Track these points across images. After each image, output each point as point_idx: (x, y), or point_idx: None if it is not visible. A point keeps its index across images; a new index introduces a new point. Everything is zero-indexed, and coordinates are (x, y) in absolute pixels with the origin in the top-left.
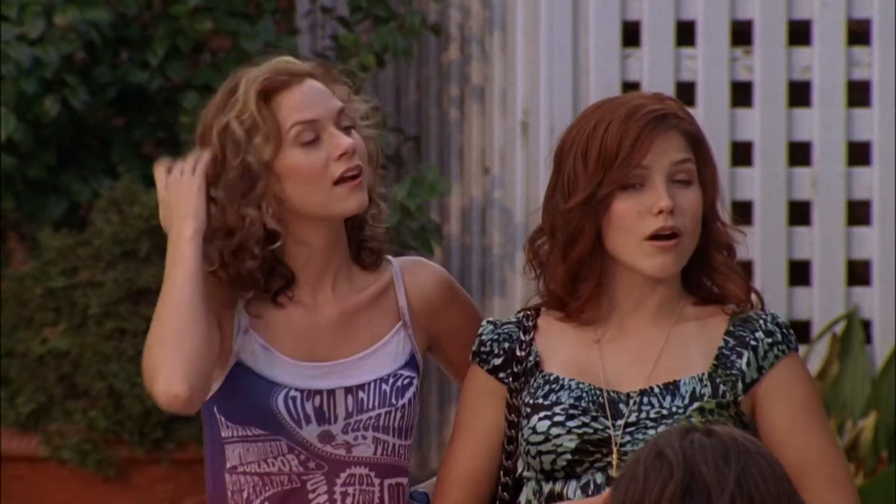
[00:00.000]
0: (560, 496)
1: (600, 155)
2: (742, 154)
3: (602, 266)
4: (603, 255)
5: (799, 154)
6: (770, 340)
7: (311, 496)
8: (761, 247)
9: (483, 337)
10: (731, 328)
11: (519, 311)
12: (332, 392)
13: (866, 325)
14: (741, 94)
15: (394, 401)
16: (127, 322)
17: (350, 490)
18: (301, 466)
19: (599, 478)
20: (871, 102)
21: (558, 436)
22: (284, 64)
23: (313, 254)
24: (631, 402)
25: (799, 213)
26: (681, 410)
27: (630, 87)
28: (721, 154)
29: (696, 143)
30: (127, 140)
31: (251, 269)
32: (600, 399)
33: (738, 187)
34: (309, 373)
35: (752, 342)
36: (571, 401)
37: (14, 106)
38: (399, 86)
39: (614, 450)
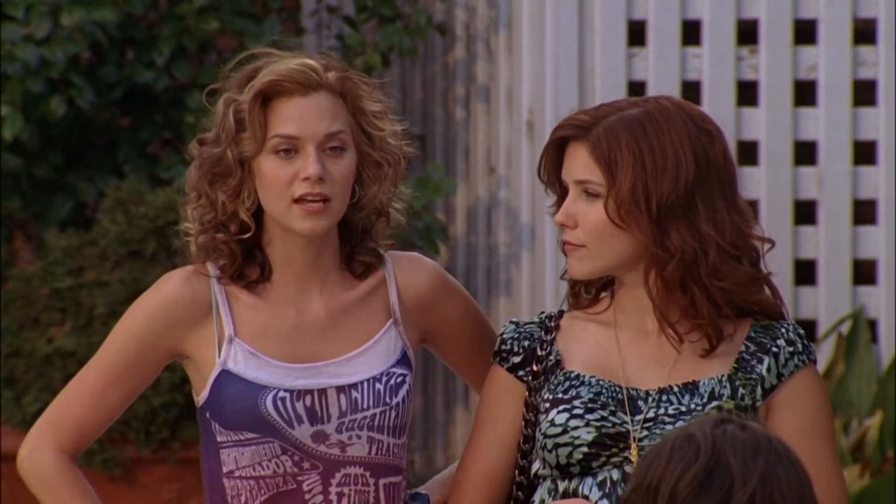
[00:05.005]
0: (575, 494)
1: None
2: (748, 153)
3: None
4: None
5: (805, 153)
6: (791, 349)
7: (306, 496)
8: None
9: (504, 335)
10: (752, 334)
11: (542, 313)
12: (323, 391)
13: (872, 325)
14: (747, 93)
15: (388, 400)
16: None
17: (346, 490)
18: (295, 467)
19: (616, 474)
20: (877, 101)
21: (576, 427)
22: (302, 70)
23: (295, 255)
24: (650, 399)
25: (805, 213)
26: (699, 408)
27: (636, 86)
28: None
29: (609, 156)
30: (133, 140)
31: (224, 241)
32: (619, 395)
33: (744, 186)
34: (298, 374)
35: (774, 349)
36: (591, 395)
37: (20, 106)
38: (405, 85)
39: (633, 444)
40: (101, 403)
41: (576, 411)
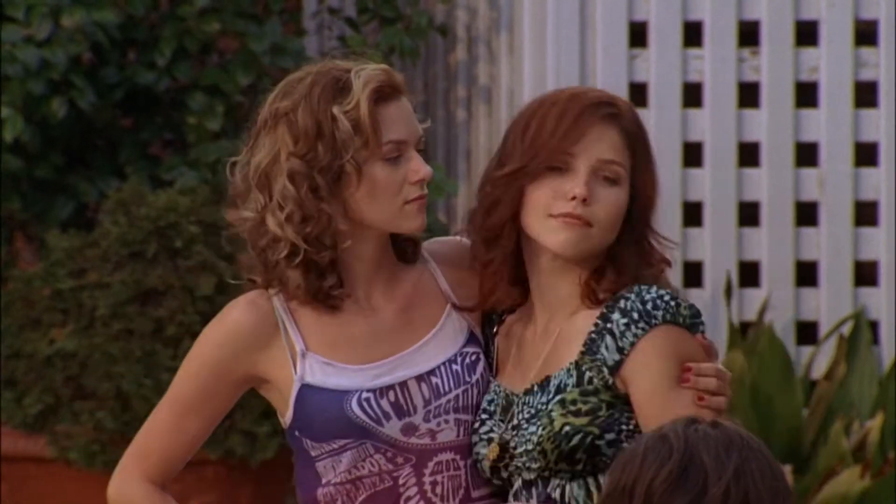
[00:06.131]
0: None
1: (536, 132)
2: (749, 155)
3: (518, 244)
4: (519, 234)
5: (806, 155)
6: (626, 320)
7: (401, 490)
8: (769, 247)
9: None
10: (604, 310)
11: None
12: (404, 384)
13: (873, 326)
14: (748, 94)
15: (468, 378)
16: (134, 323)
17: (438, 478)
18: (390, 463)
19: (518, 483)
20: (878, 103)
21: (476, 443)
22: (388, 73)
23: (365, 261)
24: (518, 402)
25: (806, 214)
26: (544, 406)
27: (637, 87)
28: (728, 155)
29: (635, 145)
30: (134, 141)
31: (330, 259)
32: (503, 402)
33: (746, 188)
34: (375, 372)
35: (610, 325)
36: (485, 404)
37: (21, 107)
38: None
39: (496, 448)
40: (180, 434)
41: (475, 426)
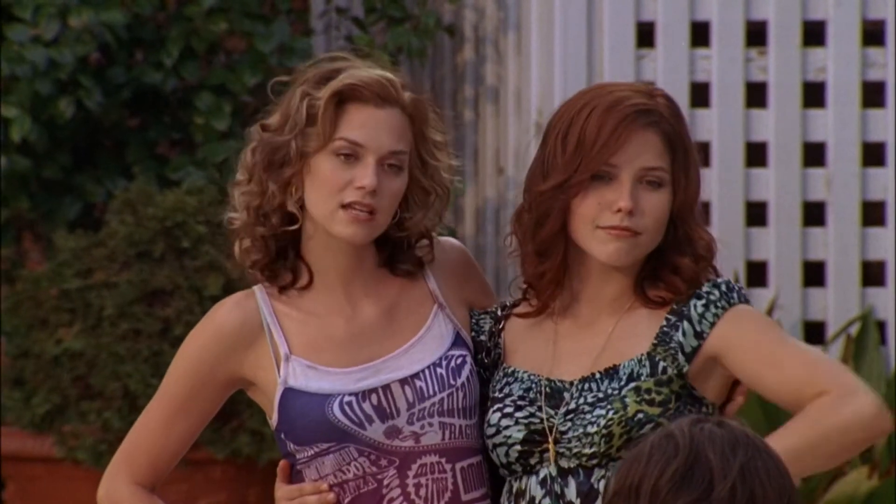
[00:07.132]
0: (522, 494)
1: (578, 141)
2: (757, 155)
3: (566, 250)
4: (568, 239)
5: (814, 155)
6: (703, 303)
7: (384, 492)
8: (776, 247)
9: None
10: (675, 306)
11: (503, 301)
12: (387, 387)
13: (881, 326)
14: (756, 94)
15: (452, 381)
16: (141, 323)
17: (422, 481)
18: (373, 466)
19: (553, 470)
20: (886, 103)
21: (507, 427)
22: (382, 83)
23: (336, 259)
24: (573, 389)
25: (814, 214)
26: (616, 392)
27: None
28: (736, 155)
29: (675, 146)
30: (141, 141)
31: (262, 235)
32: (547, 389)
33: (753, 188)
34: (359, 375)
35: (687, 311)
36: (521, 392)
37: (29, 107)
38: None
39: (550, 438)
40: (169, 435)
41: (507, 410)
